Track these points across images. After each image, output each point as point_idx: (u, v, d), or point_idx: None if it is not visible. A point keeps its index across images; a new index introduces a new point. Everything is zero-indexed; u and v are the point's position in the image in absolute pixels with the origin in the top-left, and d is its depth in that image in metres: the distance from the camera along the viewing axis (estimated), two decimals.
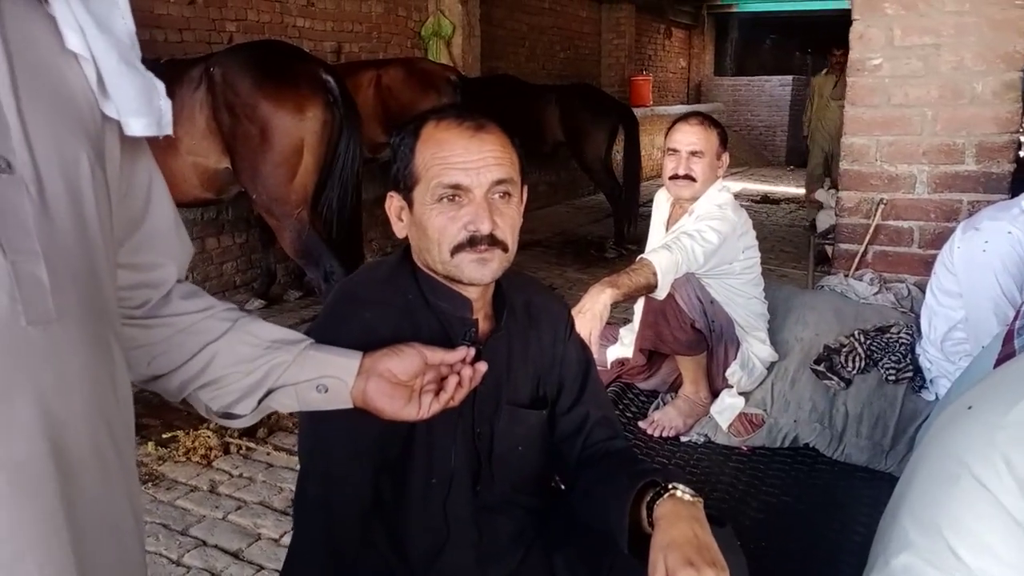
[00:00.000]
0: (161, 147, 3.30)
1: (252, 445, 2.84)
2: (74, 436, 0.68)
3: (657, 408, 2.73)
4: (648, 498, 1.15)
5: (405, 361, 0.98)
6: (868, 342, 2.59)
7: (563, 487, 1.39)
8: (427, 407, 0.99)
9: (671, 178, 2.54)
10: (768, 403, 2.57)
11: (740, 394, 2.59)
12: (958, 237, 2.27)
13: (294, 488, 1.29)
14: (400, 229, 1.22)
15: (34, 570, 0.64)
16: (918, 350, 2.52)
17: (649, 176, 9.42)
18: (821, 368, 2.57)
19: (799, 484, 2.32)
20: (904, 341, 2.56)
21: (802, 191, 7.25)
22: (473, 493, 1.23)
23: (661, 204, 2.79)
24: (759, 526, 2.12)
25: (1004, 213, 2.13)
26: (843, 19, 3.02)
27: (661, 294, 2.30)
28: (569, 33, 9.35)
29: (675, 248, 2.32)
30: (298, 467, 1.22)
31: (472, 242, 1.13)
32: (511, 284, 1.31)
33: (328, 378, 0.96)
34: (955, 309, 2.34)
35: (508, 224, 1.16)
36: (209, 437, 2.82)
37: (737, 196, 8.68)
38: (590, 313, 2.03)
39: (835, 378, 2.54)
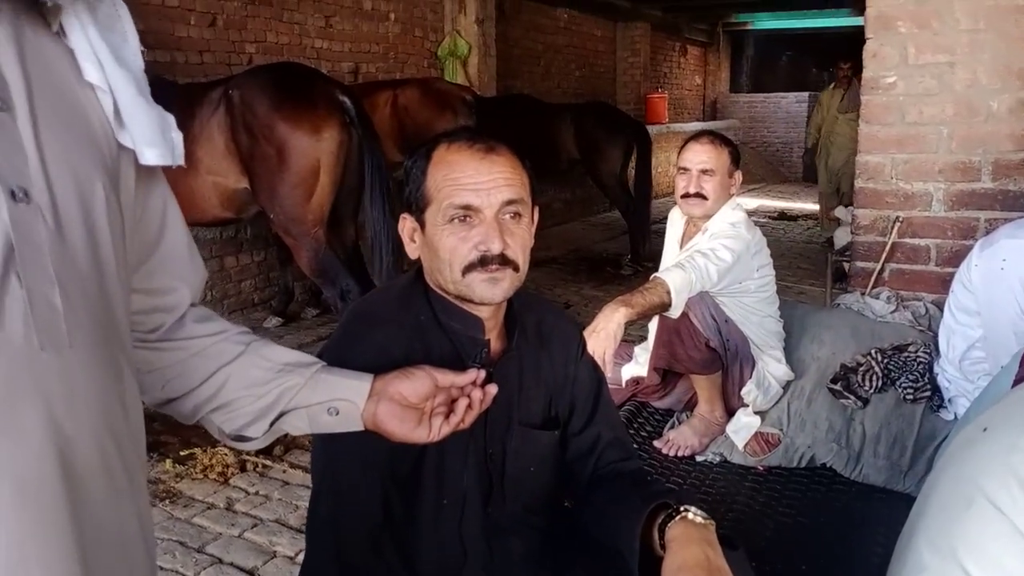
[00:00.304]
0: (183, 168, 3.36)
1: (268, 463, 2.85)
2: (83, 455, 0.69)
3: (672, 427, 2.72)
4: (660, 520, 1.15)
5: (415, 383, 0.99)
6: (885, 361, 2.57)
7: (574, 507, 1.38)
8: (437, 429, 1.00)
9: (682, 196, 2.55)
10: (784, 422, 2.56)
11: (756, 413, 2.57)
12: (975, 255, 2.25)
13: None
14: (412, 250, 1.24)
15: None
16: (936, 369, 2.50)
17: (665, 193, 9.42)
18: (838, 387, 2.56)
19: (816, 505, 2.30)
20: (922, 360, 2.54)
21: (819, 207, 7.24)
22: (484, 513, 1.23)
23: (675, 222, 2.79)
24: (775, 547, 2.10)
25: (1022, 231, 2.12)
26: (859, 35, 3.02)
27: (675, 313, 2.30)
28: (584, 52, 9.41)
29: (688, 267, 2.32)
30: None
31: (483, 262, 1.15)
32: (523, 304, 1.32)
33: (339, 401, 0.97)
34: (973, 328, 2.32)
35: (519, 244, 1.17)
36: (226, 455, 2.83)
37: (754, 213, 8.63)
38: (604, 333, 2.04)
39: (852, 397, 2.52)
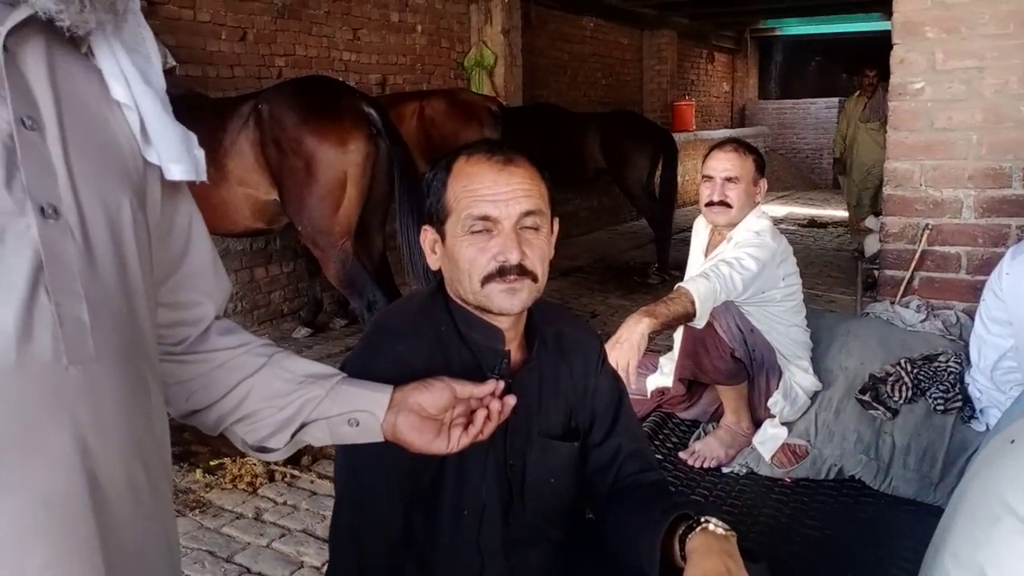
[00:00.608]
0: (215, 180, 3.42)
1: (296, 473, 2.88)
2: (109, 469, 0.71)
3: (698, 438, 2.70)
4: (680, 531, 1.15)
5: (434, 395, 1.00)
6: (915, 371, 2.53)
7: (595, 519, 1.39)
8: (456, 440, 1.00)
9: (707, 205, 2.54)
10: (812, 434, 2.53)
11: (783, 424, 2.55)
12: (1006, 263, 2.22)
13: None
14: (434, 261, 1.25)
15: None
16: (967, 379, 2.46)
17: (693, 201, 9.37)
18: (867, 398, 2.52)
19: (844, 517, 2.27)
20: (953, 370, 2.50)
21: (848, 215, 7.12)
22: (504, 525, 1.24)
23: (700, 231, 2.78)
24: (801, 561, 2.08)
25: None
26: (889, 40, 2.99)
27: (700, 323, 2.29)
28: (610, 60, 9.41)
29: (713, 276, 2.31)
30: None
31: (501, 272, 1.16)
32: (543, 315, 1.33)
33: (359, 412, 0.98)
34: (1005, 337, 2.28)
35: (537, 255, 1.19)
36: (255, 465, 2.87)
37: (783, 220, 8.52)
38: (627, 344, 2.03)
39: (881, 408, 2.48)
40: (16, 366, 0.64)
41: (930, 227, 2.94)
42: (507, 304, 1.17)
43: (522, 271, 1.16)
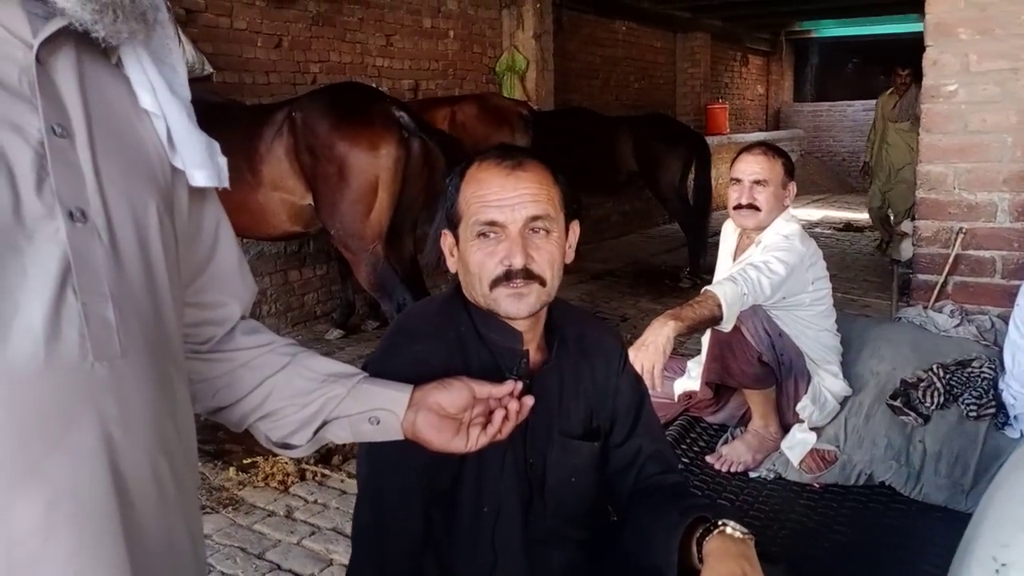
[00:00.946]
0: (252, 185, 3.48)
1: (327, 472, 2.93)
2: (134, 462, 0.74)
3: (725, 442, 2.69)
4: (698, 534, 1.16)
5: (453, 394, 1.02)
6: (948, 376, 2.50)
7: (616, 521, 1.40)
8: (475, 440, 1.02)
9: (735, 208, 2.54)
10: (841, 439, 2.51)
11: (812, 429, 2.53)
12: None
13: None
14: (452, 265, 1.28)
15: None
16: (1001, 385, 2.42)
17: (727, 204, 9.29)
18: (898, 403, 2.49)
19: (873, 524, 2.25)
20: (986, 376, 2.46)
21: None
22: (524, 524, 1.25)
23: (728, 235, 2.77)
24: (829, 566, 2.06)
25: None
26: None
27: (727, 326, 2.28)
28: (643, 63, 9.38)
29: (740, 280, 2.30)
30: None
31: (508, 276, 1.18)
32: (564, 316, 1.34)
33: (379, 410, 1.00)
34: None
35: (545, 259, 1.20)
36: (286, 463, 2.92)
37: (818, 224, 8.37)
38: (653, 346, 2.03)
39: (912, 414, 2.45)
40: (44, 363, 0.68)
41: (964, 231, 2.90)
42: (513, 308, 1.19)
43: (528, 275, 1.18)
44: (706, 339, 2.60)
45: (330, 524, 2.58)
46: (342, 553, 2.39)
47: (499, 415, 1.02)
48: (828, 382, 2.55)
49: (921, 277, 3.03)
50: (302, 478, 2.89)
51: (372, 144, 3.42)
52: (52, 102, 0.72)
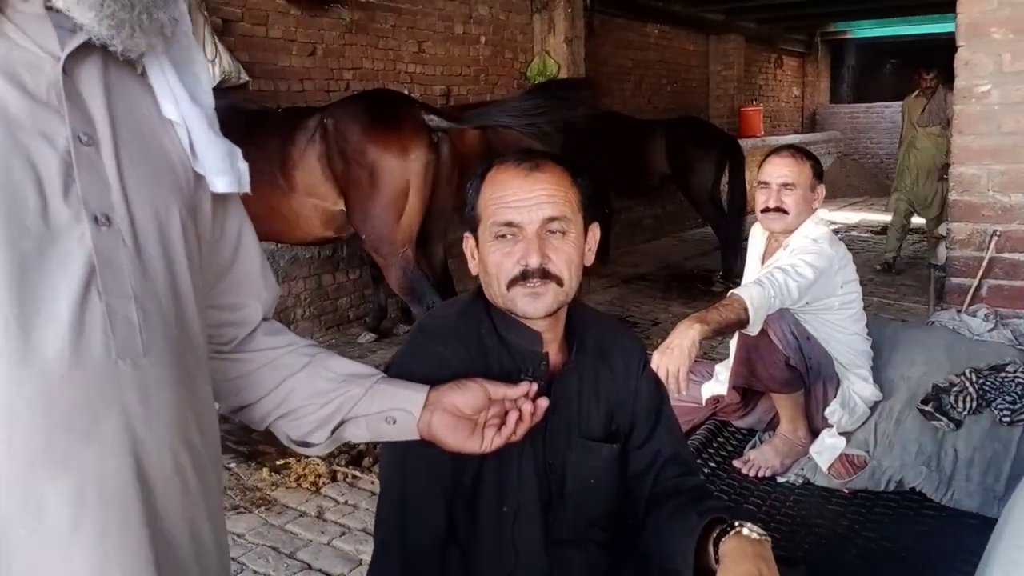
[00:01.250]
0: (285, 191, 3.55)
1: (358, 473, 2.97)
2: (156, 456, 0.77)
3: (753, 447, 2.67)
4: (715, 535, 1.17)
5: (468, 395, 1.04)
6: (981, 381, 2.46)
7: (636, 522, 1.41)
8: (490, 441, 1.04)
9: (762, 211, 2.53)
10: (871, 444, 2.48)
11: (841, 434, 2.51)
12: None
13: None
14: (473, 267, 1.30)
15: (118, 573, 0.74)
16: None
17: None
18: (929, 408, 2.46)
19: (903, 530, 2.22)
20: (1020, 380, 2.42)
21: (923, 221, 6.63)
22: (544, 525, 1.27)
23: (756, 238, 2.76)
24: (857, 572, 2.04)
25: None
26: None
27: (753, 330, 2.27)
28: (676, 67, 9.34)
29: (767, 283, 2.29)
30: None
31: (524, 276, 1.20)
32: (584, 319, 1.36)
33: (396, 410, 1.03)
34: None
35: (563, 259, 1.21)
36: (318, 465, 2.97)
37: (856, 227, 8.16)
38: (678, 350, 2.03)
39: (944, 419, 2.42)
40: (71, 360, 0.72)
41: (998, 233, 2.85)
42: (530, 308, 1.21)
43: (545, 275, 1.19)
44: (734, 343, 2.60)
45: (360, 525, 2.62)
46: (371, 554, 2.43)
47: (512, 416, 1.04)
48: (858, 386, 2.53)
49: (955, 280, 2.99)
50: (333, 479, 2.93)
51: (402, 149, 3.46)
52: (78, 112, 0.76)
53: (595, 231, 1.32)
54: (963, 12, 2.85)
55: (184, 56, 0.87)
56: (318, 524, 2.64)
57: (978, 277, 2.88)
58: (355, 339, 4.84)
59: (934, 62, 6.24)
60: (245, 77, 4.36)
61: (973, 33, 2.83)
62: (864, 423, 2.53)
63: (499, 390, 1.05)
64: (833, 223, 9.14)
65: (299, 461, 2.99)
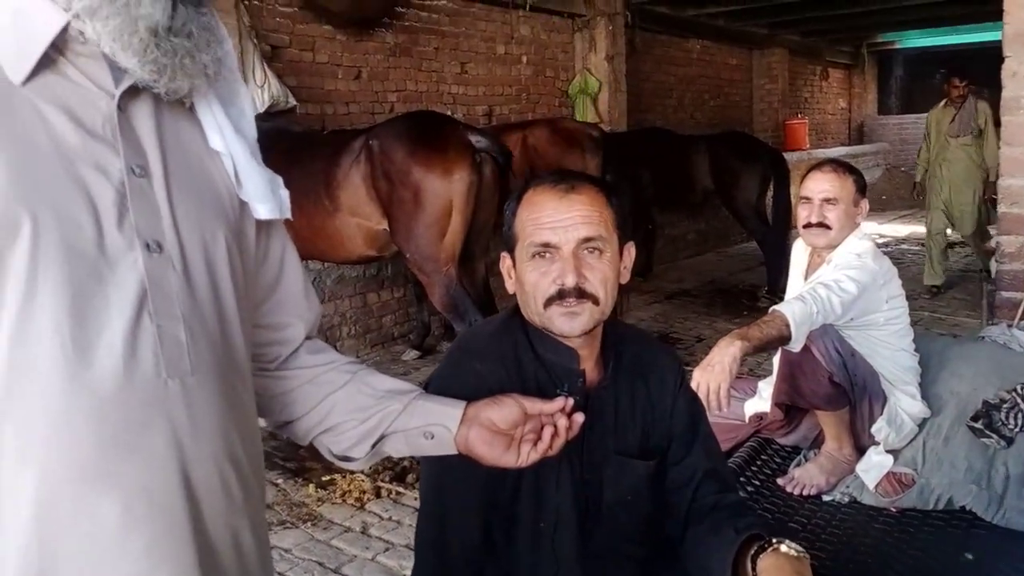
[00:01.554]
0: (330, 211, 3.65)
1: (401, 490, 3.01)
2: (202, 469, 0.82)
3: (798, 465, 2.64)
4: (753, 551, 1.17)
5: (504, 411, 1.06)
6: None
7: (673, 539, 1.41)
8: (526, 455, 1.05)
9: (804, 227, 2.51)
10: (919, 462, 2.44)
11: (888, 452, 2.47)
12: None
13: None
14: (510, 286, 1.33)
15: None
16: None
17: None
18: (979, 425, 2.41)
19: (952, 549, 2.17)
20: None
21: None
22: (581, 541, 1.28)
23: (799, 254, 2.74)
24: None
25: None
26: None
27: (795, 346, 2.25)
28: (718, 81, 9.31)
29: (810, 299, 2.27)
30: None
31: (561, 295, 1.22)
32: (620, 336, 1.37)
33: (434, 426, 1.05)
34: None
35: (598, 278, 1.24)
36: (363, 481, 3.02)
37: (905, 240, 7.93)
38: (719, 366, 2.02)
39: (995, 436, 2.37)
40: (123, 378, 0.77)
41: None
42: (567, 327, 1.23)
43: (581, 294, 1.22)
44: (777, 359, 2.58)
45: (404, 541, 2.65)
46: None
47: (548, 431, 1.05)
48: (905, 403, 2.49)
49: (1005, 295, 2.93)
50: (377, 495, 2.98)
51: (446, 169, 3.53)
52: (132, 145, 0.82)
53: (630, 250, 1.34)
54: (1010, 21, 2.81)
55: (229, 91, 0.93)
56: (363, 540, 2.68)
57: None
58: (399, 356, 4.90)
59: (952, 72, 6.05)
60: (293, 101, 4.48)
61: (1021, 43, 2.78)
62: (912, 440, 2.48)
63: (535, 405, 1.07)
64: (882, 236, 8.99)
65: (344, 477, 3.04)
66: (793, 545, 1.16)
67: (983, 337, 2.83)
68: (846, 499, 2.46)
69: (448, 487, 1.24)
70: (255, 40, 4.29)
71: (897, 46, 12.68)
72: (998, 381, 2.50)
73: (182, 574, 0.79)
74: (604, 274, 1.24)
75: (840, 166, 2.56)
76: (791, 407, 2.62)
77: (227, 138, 0.90)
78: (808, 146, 10.07)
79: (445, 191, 3.53)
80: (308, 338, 1.07)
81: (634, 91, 7.35)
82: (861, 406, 2.49)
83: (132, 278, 0.78)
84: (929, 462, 2.43)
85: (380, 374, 1.10)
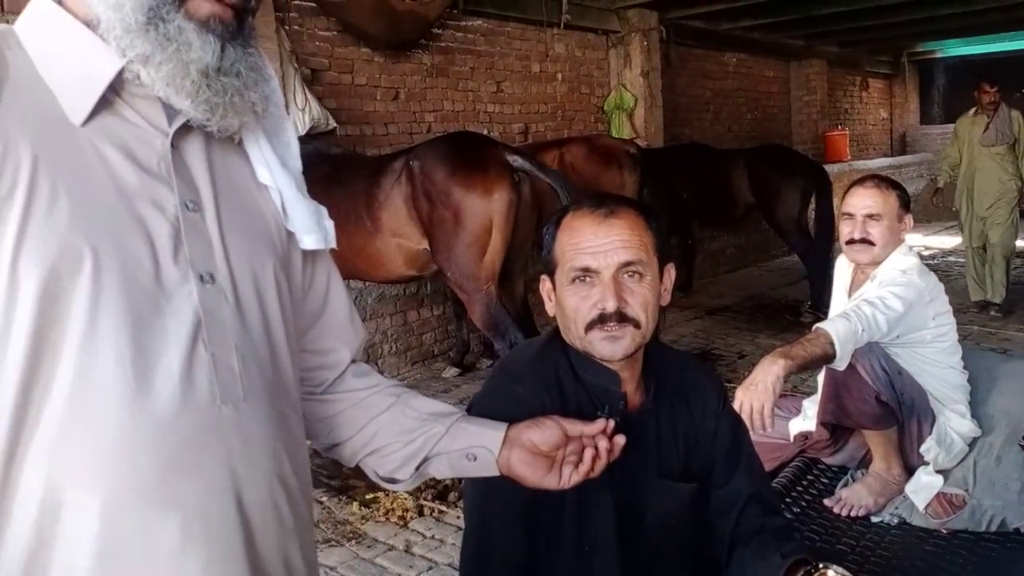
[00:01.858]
0: (371, 232, 3.71)
1: (444, 508, 3.02)
2: (255, 491, 0.84)
3: (845, 485, 2.59)
4: None
5: (545, 433, 1.07)
6: None
7: (718, 563, 1.40)
8: (567, 477, 1.06)
9: (847, 243, 2.49)
10: (970, 482, 2.38)
11: (938, 472, 2.42)
12: None
13: None
14: (550, 309, 1.35)
15: None
16: None
17: None
18: None
19: (1006, 572, 2.12)
20: None
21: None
22: (623, 563, 1.28)
23: (842, 270, 2.71)
24: None
25: None
26: None
27: (840, 365, 2.22)
28: (755, 94, 9.24)
29: (854, 317, 2.25)
30: None
31: (602, 319, 1.23)
32: (661, 358, 1.38)
33: (476, 448, 1.07)
34: None
35: (639, 302, 1.24)
36: (406, 499, 3.04)
37: (952, 252, 7.70)
38: (761, 386, 2.01)
39: None
40: (181, 405, 0.80)
41: None
42: (608, 351, 1.24)
43: (622, 318, 1.23)
44: (821, 377, 2.55)
45: (447, 560, 2.66)
46: None
47: (588, 453, 1.06)
48: (954, 422, 2.44)
49: None
50: (420, 514, 3.00)
51: (486, 189, 3.57)
52: (185, 181, 0.86)
53: (670, 272, 1.34)
54: None
55: (275, 126, 0.96)
56: (406, 558, 2.70)
57: None
58: (439, 373, 4.93)
59: (983, 77, 5.84)
60: (332, 123, 4.56)
61: None
62: (962, 460, 2.43)
63: (576, 427, 1.08)
64: (928, 248, 8.81)
65: (387, 495, 3.06)
66: (840, 570, 1.15)
67: None
68: (895, 520, 2.41)
69: (491, 506, 1.25)
70: (296, 64, 4.38)
71: (938, 55, 12.46)
72: None
73: None
74: (645, 298, 1.25)
75: (883, 181, 2.54)
76: (837, 426, 2.58)
77: (274, 172, 0.94)
78: (849, 157, 9.93)
79: (485, 211, 3.57)
80: (353, 361, 1.10)
81: (670, 106, 7.33)
82: (909, 425, 2.45)
83: (187, 309, 0.81)
84: (980, 482, 2.37)
85: (423, 397, 1.12)
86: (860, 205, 2.47)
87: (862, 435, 2.59)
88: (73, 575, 0.77)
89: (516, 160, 3.68)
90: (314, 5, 4.65)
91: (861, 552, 2.27)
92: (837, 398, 2.39)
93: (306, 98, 4.36)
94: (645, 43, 6.73)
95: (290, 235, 0.96)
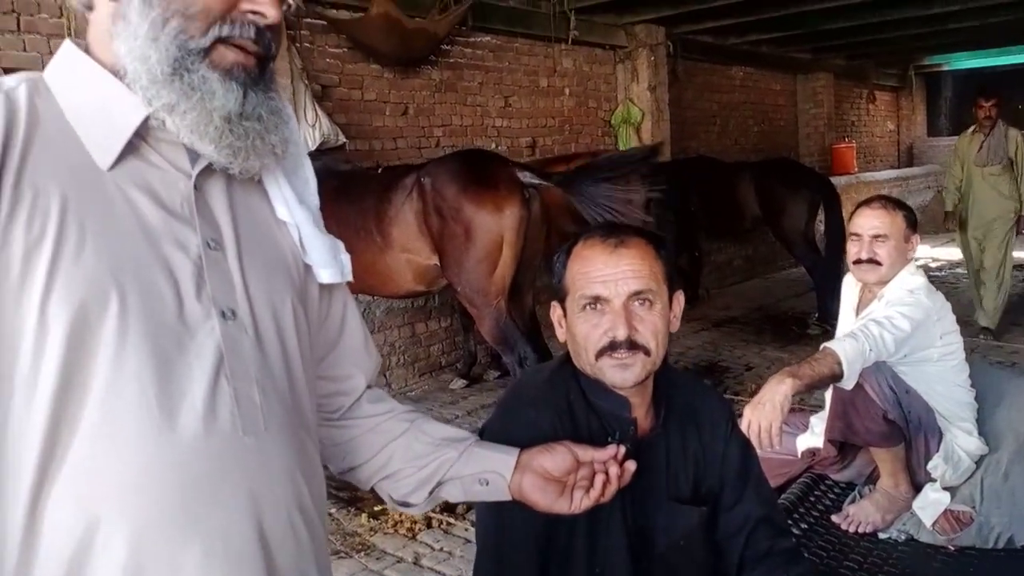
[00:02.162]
0: (381, 247, 3.74)
1: (452, 520, 3.05)
2: (274, 518, 0.88)
3: (853, 501, 2.61)
4: None
5: (557, 458, 1.09)
6: None
7: None
8: (578, 502, 1.08)
9: (855, 263, 2.52)
10: (977, 499, 2.40)
11: (945, 488, 2.43)
12: None
13: None
14: (561, 334, 1.38)
15: None
16: None
17: None
18: None
19: None
20: None
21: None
22: None
23: (849, 289, 2.74)
24: None
25: None
26: None
27: (848, 384, 2.25)
28: (762, 107, 9.26)
29: (862, 336, 2.27)
30: None
31: (612, 347, 1.26)
32: (671, 383, 1.40)
33: (489, 473, 1.09)
34: None
35: (649, 330, 1.27)
36: None
37: (959, 264, 7.57)
38: (769, 405, 2.03)
39: None
40: (204, 436, 0.83)
41: None
42: (618, 378, 1.27)
43: (632, 346, 1.25)
44: (829, 394, 2.56)
45: (455, 572, 2.68)
46: None
47: (599, 479, 1.08)
48: (961, 440, 2.46)
49: None
50: (428, 526, 3.02)
51: (497, 206, 3.60)
52: (207, 221, 0.89)
53: (679, 298, 1.37)
54: None
55: (294, 164, 1.00)
56: (415, 571, 2.72)
57: None
58: (447, 385, 4.96)
59: (981, 91, 5.54)
60: (342, 139, 4.61)
61: None
62: (969, 477, 2.45)
63: (587, 453, 1.10)
64: (935, 260, 8.81)
65: None
66: None
67: None
68: (903, 537, 2.43)
69: (505, 526, 1.27)
70: (306, 81, 4.43)
71: (946, 68, 12.48)
72: None
73: None
74: (655, 326, 1.28)
75: (889, 202, 2.57)
76: (844, 443, 2.60)
77: (292, 208, 0.97)
78: (856, 169, 9.95)
79: (496, 226, 3.60)
80: (368, 387, 1.13)
81: (677, 119, 7.37)
82: (917, 442, 2.47)
83: (210, 344, 0.85)
84: (988, 499, 2.39)
85: (437, 422, 1.15)
86: (867, 226, 2.50)
87: (869, 452, 2.61)
88: None
89: (526, 176, 3.72)
90: (325, 23, 4.71)
91: (869, 569, 2.28)
92: (845, 416, 2.41)
93: (316, 114, 4.40)
94: (652, 58, 6.77)
95: (307, 268, 0.99)
